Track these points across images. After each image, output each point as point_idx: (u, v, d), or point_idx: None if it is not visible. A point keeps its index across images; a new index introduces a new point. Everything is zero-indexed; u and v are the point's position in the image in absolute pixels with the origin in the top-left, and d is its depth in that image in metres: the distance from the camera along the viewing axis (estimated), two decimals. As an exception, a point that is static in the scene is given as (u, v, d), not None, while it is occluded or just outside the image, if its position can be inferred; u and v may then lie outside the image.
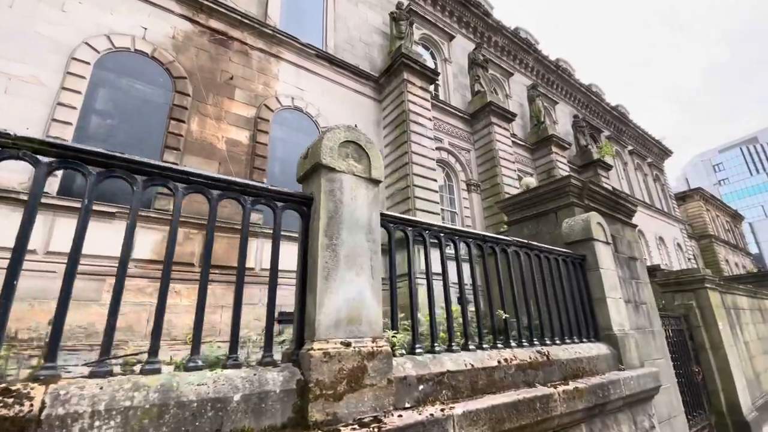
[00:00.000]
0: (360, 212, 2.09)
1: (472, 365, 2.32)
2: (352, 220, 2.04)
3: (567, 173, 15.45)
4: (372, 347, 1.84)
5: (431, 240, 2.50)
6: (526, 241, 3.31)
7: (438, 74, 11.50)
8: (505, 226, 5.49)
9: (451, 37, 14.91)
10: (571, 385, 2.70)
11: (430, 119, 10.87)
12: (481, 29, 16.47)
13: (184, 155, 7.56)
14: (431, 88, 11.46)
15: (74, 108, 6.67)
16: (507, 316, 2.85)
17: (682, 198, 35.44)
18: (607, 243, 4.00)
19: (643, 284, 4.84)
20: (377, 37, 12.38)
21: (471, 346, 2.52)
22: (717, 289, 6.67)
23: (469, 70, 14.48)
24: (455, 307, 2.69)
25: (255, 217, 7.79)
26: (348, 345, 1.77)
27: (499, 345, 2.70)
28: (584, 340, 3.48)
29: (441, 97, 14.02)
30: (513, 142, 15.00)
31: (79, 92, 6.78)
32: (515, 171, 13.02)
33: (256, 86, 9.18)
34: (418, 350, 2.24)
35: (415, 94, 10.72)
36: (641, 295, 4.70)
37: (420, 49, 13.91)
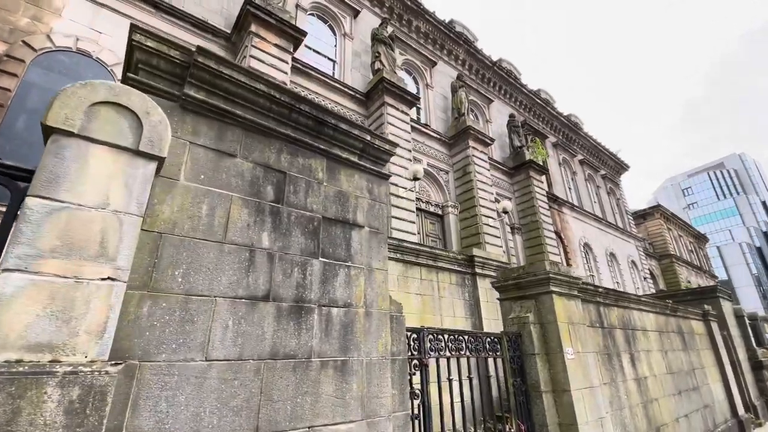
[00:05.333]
0: None
1: None
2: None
3: (484, 174, 13.47)
4: None
5: None
6: None
7: (304, 34, 9.43)
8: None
9: (356, 12, 13.06)
10: None
11: (284, 83, 8.69)
12: (399, 10, 14.72)
13: None
14: (293, 49, 9.34)
15: None
16: None
17: (643, 216, 34.25)
18: (116, 147, 1.68)
19: (355, 270, 2.53)
20: (245, -6, 10.33)
21: None
22: (579, 297, 4.43)
23: (371, 47, 12.57)
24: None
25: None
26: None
27: None
28: None
29: (337, 75, 12.02)
30: (423, 133, 13.04)
31: None
32: (410, 161, 10.89)
33: (18, 19, 6.86)
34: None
35: (266, 51, 8.58)
36: (334, 290, 2.37)
37: (310, 18, 11.97)
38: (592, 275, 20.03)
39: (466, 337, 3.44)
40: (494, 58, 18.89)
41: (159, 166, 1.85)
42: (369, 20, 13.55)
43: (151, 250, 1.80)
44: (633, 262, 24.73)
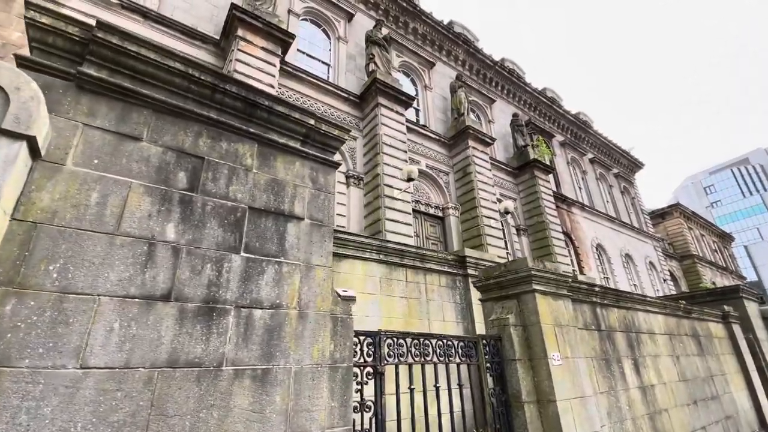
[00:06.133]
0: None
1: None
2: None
3: (485, 174, 13.08)
4: None
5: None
6: None
7: (292, 36, 9.35)
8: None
9: (351, 16, 12.99)
10: None
11: (272, 86, 8.60)
12: (395, 12, 14.60)
13: None
14: (282, 52, 9.27)
15: None
16: None
17: (661, 215, 32.93)
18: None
19: (288, 267, 2.28)
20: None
21: None
22: (568, 296, 4.04)
23: (366, 50, 12.44)
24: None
25: None
26: None
27: None
28: None
29: (331, 79, 11.92)
30: (421, 134, 12.78)
31: None
32: (406, 161, 10.61)
33: (10, 33, 6.98)
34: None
35: (252, 55, 8.52)
36: (259, 290, 2.12)
37: (303, 23, 11.95)
38: (607, 277, 19.19)
39: (434, 341, 3.12)
40: (495, 58, 18.54)
41: (34, 148, 1.64)
42: (364, 23, 13.46)
43: (21, 242, 1.59)
44: (651, 263, 23.65)
